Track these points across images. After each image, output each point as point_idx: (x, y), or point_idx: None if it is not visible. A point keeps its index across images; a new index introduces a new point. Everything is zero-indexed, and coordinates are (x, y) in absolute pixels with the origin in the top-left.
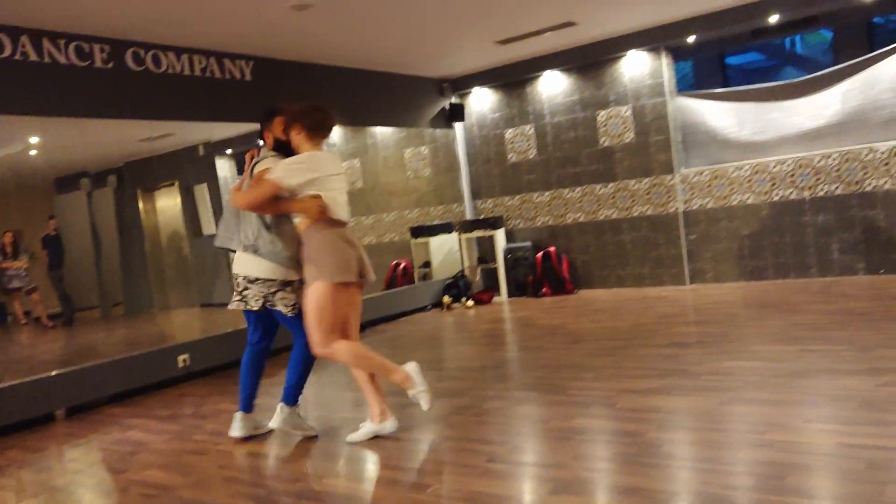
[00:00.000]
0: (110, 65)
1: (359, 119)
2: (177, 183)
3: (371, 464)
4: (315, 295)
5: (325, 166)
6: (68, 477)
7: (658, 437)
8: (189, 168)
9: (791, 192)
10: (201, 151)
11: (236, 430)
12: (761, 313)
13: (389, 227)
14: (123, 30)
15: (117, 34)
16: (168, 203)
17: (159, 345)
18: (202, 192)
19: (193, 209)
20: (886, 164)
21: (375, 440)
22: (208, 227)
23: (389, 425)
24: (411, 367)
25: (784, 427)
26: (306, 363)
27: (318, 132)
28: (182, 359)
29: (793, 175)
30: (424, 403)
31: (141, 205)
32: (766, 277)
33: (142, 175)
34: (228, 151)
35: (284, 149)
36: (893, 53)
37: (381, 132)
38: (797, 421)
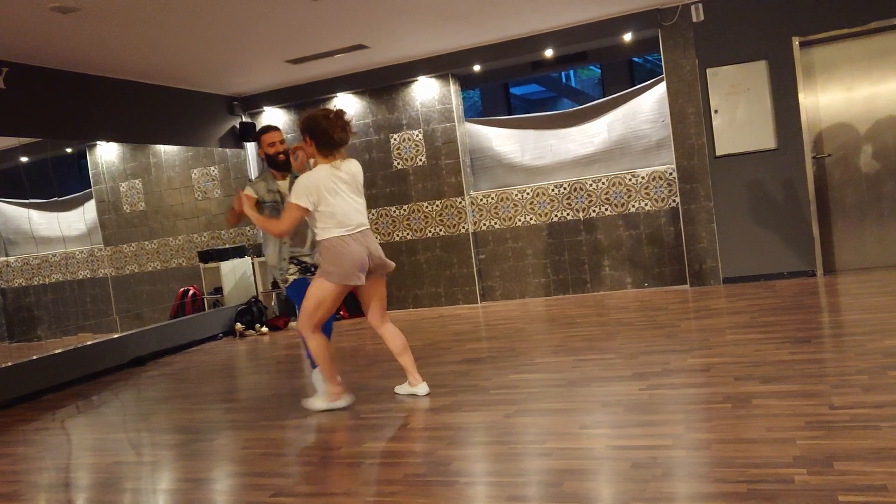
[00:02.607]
0: None
1: (138, 136)
2: None
3: None
4: (320, 289)
5: (319, 183)
6: None
7: (448, 455)
8: None
9: (568, 214)
10: None
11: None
12: (544, 328)
13: (176, 252)
14: None
15: None
16: None
17: None
18: None
19: None
20: (646, 187)
21: (153, 484)
22: None
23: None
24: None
25: (562, 435)
26: None
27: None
28: None
29: (569, 198)
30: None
31: None
32: (549, 293)
33: None
34: None
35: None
36: (650, 89)
37: (166, 151)
38: (573, 428)
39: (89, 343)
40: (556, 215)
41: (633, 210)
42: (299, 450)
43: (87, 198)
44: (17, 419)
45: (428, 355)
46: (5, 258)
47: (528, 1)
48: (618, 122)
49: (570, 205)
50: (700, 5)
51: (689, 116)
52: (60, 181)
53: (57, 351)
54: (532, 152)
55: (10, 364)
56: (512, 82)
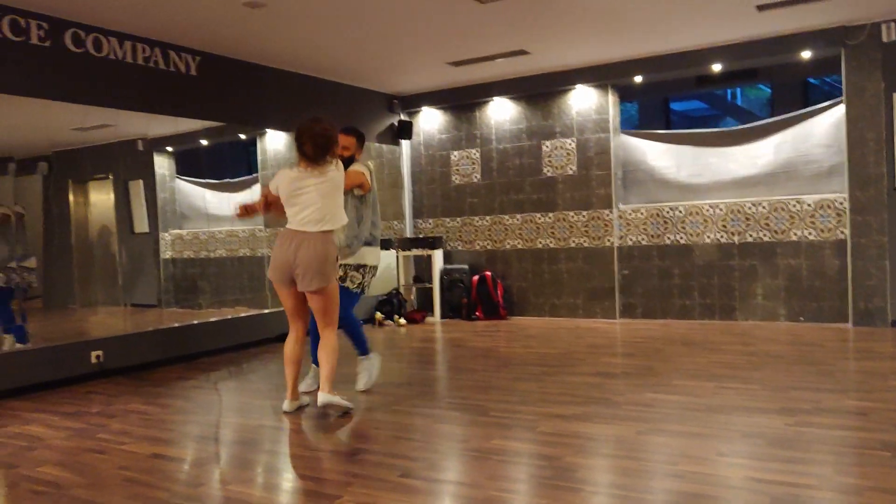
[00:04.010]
0: (47, 43)
1: None
2: (111, 177)
3: (282, 473)
4: None
5: (282, 181)
6: None
7: (575, 462)
8: (125, 162)
9: (721, 236)
10: (140, 146)
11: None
12: (685, 350)
13: None
14: (63, 8)
15: (57, 12)
16: (101, 197)
17: (74, 340)
18: (137, 189)
19: (127, 205)
20: (812, 216)
21: (291, 449)
22: (141, 224)
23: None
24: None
25: (697, 459)
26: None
27: (297, 151)
28: (95, 355)
29: (724, 219)
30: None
31: (71, 196)
32: (693, 317)
33: (74, 165)
34: (169, 149)
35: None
36: (826, 111)
37: None
38: (710, 454)
39: (243, 315)
40: (708, 237)
41: (794, 238)
42: (427, 437)
43: (254, 182)
44: (176, 376)
45: (562, 364)
46: (179, 231)
47: (697, 12)
48: (786, 144)
49: (726, 227)
50: (893, 24)
51: (869, 143)
52: (232, 164)
53: (213, 319)
54: (689, 169)
55: (175, 325)
56: (673, 97)
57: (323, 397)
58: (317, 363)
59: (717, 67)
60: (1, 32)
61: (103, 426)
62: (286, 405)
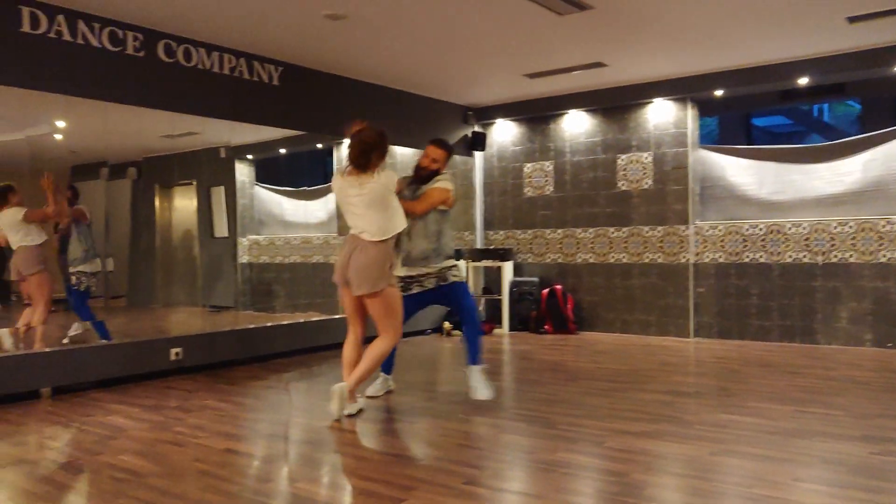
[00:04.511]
0: (142, 53)
1: None
2: (195, 183)
3: (347, 473)
4: None
5: (335, 187)
6: (42, 453)
7: (643, 480)
8: (208, 169)
9: (804, 256)
10: (223, 154)
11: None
12: (762, 372)
13: None
14: (157, 20)
15: (151, 24)
16: (184, 202)
17: (155, 337)
18: (219, 195)
19: (208, 210)
20: None
21: (357, 451)
22: (221, 229)
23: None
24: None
25: (772, 483)
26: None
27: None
28: (174, 352)
29: (807, 239)
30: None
31: (157, 201)
32: (772, 338)
33: (161, 171)
34: (249, 157)
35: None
36: None
37: (401, 153)
38: (786, 478)
39: (314, 320)
40: (790, 256)
41: (883, 260)
42: (493, 447)
43: (329, 190)
44: (249, 375)
45: (632, 380)
46: (256, 236)
47: (784, 25)
48: (876, 161)
49: (808, 247)
50: None
51: None
52: (309, 173)
53: (286, 322)
54: (770, 186)
55: (250, 327)
56: (755, 112)
57: (340, 388)
58: (386, 371)
59: (803, 82)
60: (101, 43)
61: (180, 420)
62: (347, 408)
